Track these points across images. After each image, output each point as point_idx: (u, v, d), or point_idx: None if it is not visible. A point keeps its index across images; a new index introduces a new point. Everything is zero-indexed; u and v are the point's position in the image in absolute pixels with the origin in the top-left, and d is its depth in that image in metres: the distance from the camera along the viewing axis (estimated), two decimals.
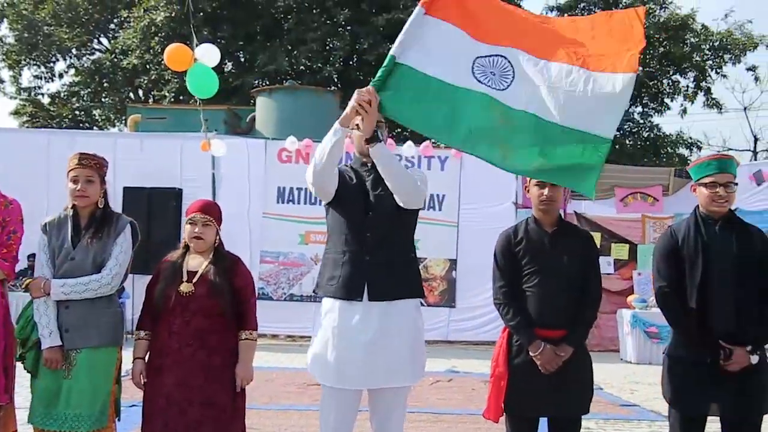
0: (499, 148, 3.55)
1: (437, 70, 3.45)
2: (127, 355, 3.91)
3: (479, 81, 3.46)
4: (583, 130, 3.41)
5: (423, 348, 3.65)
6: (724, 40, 24.76)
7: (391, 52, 3.41)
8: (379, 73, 3.40)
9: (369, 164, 3.60)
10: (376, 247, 3.53)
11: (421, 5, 3.45)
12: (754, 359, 3.55)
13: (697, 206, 3.80)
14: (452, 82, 3.46)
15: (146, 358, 3.83)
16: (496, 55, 3.51)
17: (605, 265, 12.04)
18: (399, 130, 23.58)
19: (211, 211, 3.94)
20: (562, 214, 4.04)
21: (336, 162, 3.50)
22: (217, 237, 3.93)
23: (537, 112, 3.45)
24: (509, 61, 3.50)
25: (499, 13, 3.65)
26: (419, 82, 3.44)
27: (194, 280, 3.80)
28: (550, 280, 3.73)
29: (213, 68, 8.44)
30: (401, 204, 3.53)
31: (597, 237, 11.94)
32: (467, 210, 12.30)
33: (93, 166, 3.85)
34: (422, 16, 3.44)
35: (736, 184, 3.75)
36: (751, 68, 25.72)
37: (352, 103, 3.33)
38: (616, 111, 3.51)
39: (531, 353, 3.67)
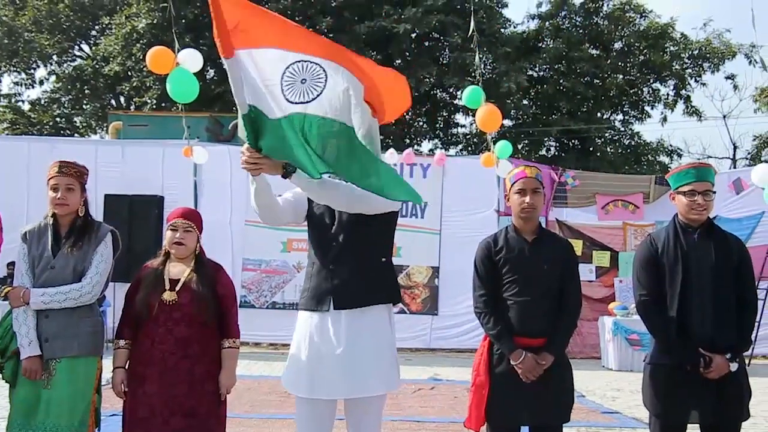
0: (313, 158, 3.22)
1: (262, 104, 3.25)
2: (108, 364, 3.89)
3: (290, 101, 3.22)
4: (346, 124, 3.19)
5: (395, 356, 3.63)
6: (703, 48, 24.99)
7: (240, 112, 3.22)
8: (245, 133, 3.26)
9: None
10: (341, 257, 3.54)
11: (222, 56, 3.16)
12: (734, 367, 3.58)
13: (676, 214, 3.83)
14: (275, 115, 3.24)
15: (126, 366, 3.81)
16: (306, 62, 3.24)
17: (587, 272, 12.11)
18: (382, 137, 23.63)
19: (192, 217, 3.95)
20: (544, 222, 4.06)
21: (267, 203, 3.52)
22: (198, 244, 3.94)
23: (315, 111, 3.21)
24: (322, 68, 3.23)
25: (278, 22, 3.33)
26: (266, 120, 3.25)
27: (177, 288, 3.79)
28: (531, 288, 3.74)
29: (195, 75, 8.41)
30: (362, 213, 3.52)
31: (578, 244, 12.02)
32: (450, 217, 12.33)
33: (73, 174, 3.83)
34: (228, 62, 3.16)
35: (715, 192, 3.79)
36: (730, 77, 25.99)
37: (242, 166, 3.31)
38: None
39: (512, 362, 3.68)
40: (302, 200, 3.70)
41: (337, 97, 3.18)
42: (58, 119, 28.16)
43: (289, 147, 3.21)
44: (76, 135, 27.87)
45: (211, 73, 24.14)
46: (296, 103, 3.21)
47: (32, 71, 27.63)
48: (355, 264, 3.54)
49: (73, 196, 3.82)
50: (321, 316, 3.52)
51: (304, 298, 3.62)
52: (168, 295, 3.77)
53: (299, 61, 3.23)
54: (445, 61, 22.85)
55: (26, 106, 28.60)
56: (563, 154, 25.56)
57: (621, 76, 24.82)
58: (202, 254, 3.97)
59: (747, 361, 10.74)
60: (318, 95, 3.20)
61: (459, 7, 21.52)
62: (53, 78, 28.11)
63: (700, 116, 26.00)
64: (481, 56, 21.70)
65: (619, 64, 24.90)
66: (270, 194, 3.54)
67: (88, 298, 3.74)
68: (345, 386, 3.46)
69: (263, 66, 3.23)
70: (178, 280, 3.83)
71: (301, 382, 3.51)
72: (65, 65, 28.18)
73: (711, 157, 30.07)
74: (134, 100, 25.49)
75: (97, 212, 11.57)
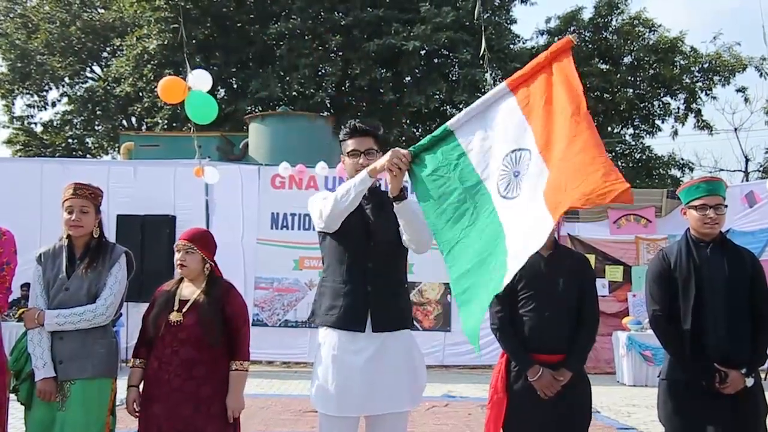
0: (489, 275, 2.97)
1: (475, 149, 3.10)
2: (122, 384, 3.89)
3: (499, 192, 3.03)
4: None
5: (423, 372, 3.64)
6: (713, 62, 24.99)
7: (447, 124, 3.17)
8: (424, 140, 3.24)
9: (367, 192, 3.55)
10: (378, 277, 3.52)
11: (506, 84, 3.06)
12: (749, 382, 3.56)
13: (688, 229, 3.82)
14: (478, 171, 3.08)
15: (140, 386, 3.81)
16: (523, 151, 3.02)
17: (600, 287, 12.04)
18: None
19: (195, 238, 3.91)
20: (556, 237, 4.05)
21: (355, 206, 3.45)
22: (208, 264, 3.92)
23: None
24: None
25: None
26: (453, 155, 3.14)
27: (184, 309, 3.79)
28: (547, 304, 3.74)
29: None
30: (412, 250, 3.53)
31: (591, 259, 11.96)
32: None
33: (88, 196, 3.85)
34: (505, 91, 3.03)
35: (726, 206, 3.78)
36: (741, 89, 25.95)
37: (384, 160, 3.25)
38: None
39: (529, 378, 3.67)
40: None
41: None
42: (70, 140, 28.43)
43: (433, 197, 3.13)
44: (88, 156, 28.10)
45: (221, 92, 24.32)
46: (504, 197, 3.03)
47: (44, 93, 27.95)
48: (390, 287, 3.55)
49: (88, 217, 3.83)
50: (352, 336, 3.47)
51: (332, 316, 3.51)
52: (174, 316, 3.77)
53: (519, 150, 3.03)
54: (454, 78, 22.92)
55: (39, 128, 28.90)
56: None
57: (631, 91, 24.83)
58: (214, 274, 3.94)
59: (763, 376, 10.65)
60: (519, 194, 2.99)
61: (468, 23, 21.61)
62: (65, 100, 28.43)
63: (711, 129, 25.96)
64: (490, 73, 21.82)
65: (629, 78, 24.90)
66: (359, 201, 3.45)
67: (102, 319, 3.75)
68: (373, 403, 3.44)
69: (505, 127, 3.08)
70: (188, 300, 3.83)
71: (330, 401, 3.46)
72: (77, 87, 28.48)
73: (723, 170, 29.94)
74: (145, 120, 25.72)
75: (109, 232, 11.58)
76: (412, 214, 3.39)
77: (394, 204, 3.37)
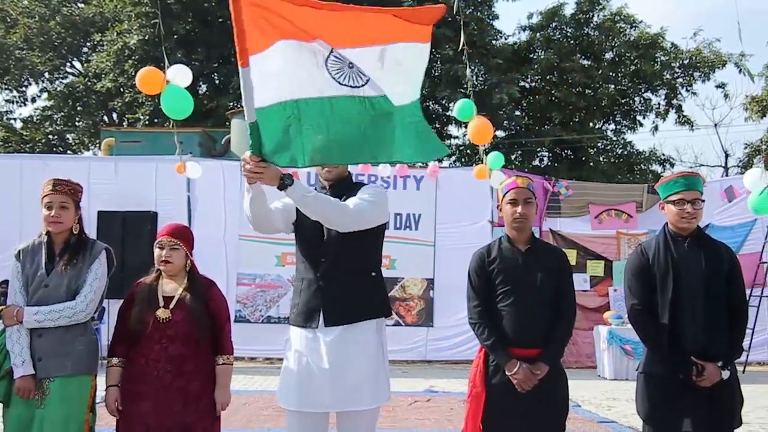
0: (366, 147, 3.30)
1: (295, 91, 3.26)
2: (102, 381, 3.88)
3: (341, 83, 3.30)
4: (402, 104, 3.36)
5: (386, 369, 3.65)
6: (694, 58, 25.16)
7: (246, 121, 3.21)
8: (250, 142, 3.23)
9: (327, 187, 3.69)
10: (331, 272, 3.56)
11: (240, 65, 3.14)
12: (726, 374, 3.60)
13: (666, 224, 3.86)
14: (317, 95, 3.27)
15: (119, 384, 3.79)
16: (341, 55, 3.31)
17: (581, 281, 12.13)
18: None
19: (178, 234, 3.93)
20: (538, 232, 4.07)
21: (260, 211, 3.53)
22: (189, 260, 3.93)
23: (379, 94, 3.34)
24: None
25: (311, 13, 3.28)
26: (280, 114, 3.24)
27: (171, 306, 3.79)
28: (525, 298, 3.75)
29: (187, 90, 8.42)
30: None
31: (573, 254, 12.04)
32: (443, 229, 12.34)
33: (67, 191, 3.83)
34: (244, 70, 3.14)
35: (704, 200, 3.82)
36: (720, 85, 26.15)
37: (244, 173, 3.32)
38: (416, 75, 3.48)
39: (507, 372, 3.69)
40: (291, 209, 3.70)
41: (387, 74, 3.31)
42: (50, 136, 28.18)
43: (290, 138, 3.23)
44: (68, 152, 27.87)
45: (203, 88, 24.19)
46: (349, 86, 3.30)
47: (24, 89, 27.70)
48: (345, 279, 3.56)
49: (67, 213, 3.82)
50: (311, 332, 3.54)
51: (293, 314, 3.65)
52: (162, 313, 3.77)
53: (336, 54, 3.29)
54: (437, 74, 22.92)
55: (18, 124, 28.66)
56: (556, 165, 25.64)
57: (612, 86, 24.94)
58: (194, 270, 3.96)
59: (742, 369, 10.72)
60: (368, 79, 3.29)
61: (450, 19, 21.56)
62: (45, 95, 28.19)
63: (692, 125, 26.14)
64: (472, 68, 21.85)
65: (611, 74, 25.02)
66: (264, 203, 3.54)
67: (82, 316, 3.74)
68: (333, 399, 3.48)
69: (297, 55, 3.25)
70: (172, 297, 3.83)
71: (291, 396, 3.54)
72: (57, 82, 28.26)
73: (703, 165, 30.23)
74: (126, 116, 25.53)
75: (90, 229, 11.50)
76: (302, 198, 3.38)
77: (285, 194, 3.39)
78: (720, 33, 43.11)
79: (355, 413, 3.52)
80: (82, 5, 28.26)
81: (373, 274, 3.68)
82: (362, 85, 3.30)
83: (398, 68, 3.35)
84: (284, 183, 3.31)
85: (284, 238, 3.92)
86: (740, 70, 24.48)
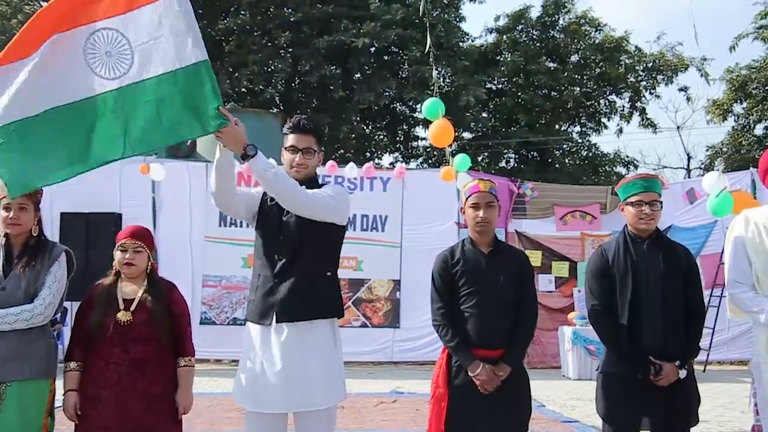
0: (122, 139, 3.26)
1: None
2: (61, 385, 3.82)
3: (101, 76, 3.25)
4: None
5: (340, 369, 3.66)
6: (657, 61, 25.53)
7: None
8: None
9: None
10: (286, 270, 3.56)
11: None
12: (683, 374, 3.66)
13: (626, 225, 3.92)
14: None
15: (78, 388, 3.74)
16: (106, 29, 3.26)
17: (546, 282, 12.24)
18: (342, 151, 23.66)
19: (141, 236, 3.91)
20: (503, 234, 4.11)
21: (223, 185, 3.52)
22: (150, 262, 3.90)
23: (133, 79, 3.26)
24: (121, 34, 3.24)
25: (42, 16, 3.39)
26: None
27: (132, 308, 3.76)
28: (487, 300, 3.78)
29: None
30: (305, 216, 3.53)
31: (538, 255, 12.15)
32: (410, 230, 12.38)
33: (26, 193, 3.77)
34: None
35: (661, 202, 3.88)
36: (683, 89, 26.60)
37: None
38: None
39: (470, 373, 3.71)
40: (256, 199, 3.71)
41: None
42: None
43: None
44: None
45: None
46: (112, 78, 3.23)
47: None
48: (300, 278, 3.56)
49: (26, 215, 3.76)
50: (264, 329, 3.55)
51: (248, 310, 3.66)
52: (123, 315, 3.74)
53: (90, 35, 3.23)
54: (404, 75, 22.99)
55: None
56: (522, 166, 25.85)
57: (578, 89, 25.21)
58: (154, 272, 3.94)
59: (702, 368, 10.89)
60: (132, 61, 3.24)
61: (417, 21, 21.68)
62: None
63: (655, 128, 26.52)
64: (439, 70, 21.92)
65: (576, 76, 25.28)
66: (230, 177, 3.53)
67: (40, 319, 3.67)
68: (288, 400, 3.49)
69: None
70: (132, 299, 3.79)
71: (247, 396, 3.55)
72: None
73: (666, 167, 30.70)
74: None
75: (53, 231, 11.28)
76: (262, 172, 3.37)
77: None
78: (683, 37, 43.80)
79: (309, 413, 3.53)
80: (45, 3, 27.85)
81: (329, 274, 3.69)
82: (122, 75, 3.23)
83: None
84: (247, 153, 3.31)
85: (250, 239, 3.91)
86: (702, 73, 24.86)
